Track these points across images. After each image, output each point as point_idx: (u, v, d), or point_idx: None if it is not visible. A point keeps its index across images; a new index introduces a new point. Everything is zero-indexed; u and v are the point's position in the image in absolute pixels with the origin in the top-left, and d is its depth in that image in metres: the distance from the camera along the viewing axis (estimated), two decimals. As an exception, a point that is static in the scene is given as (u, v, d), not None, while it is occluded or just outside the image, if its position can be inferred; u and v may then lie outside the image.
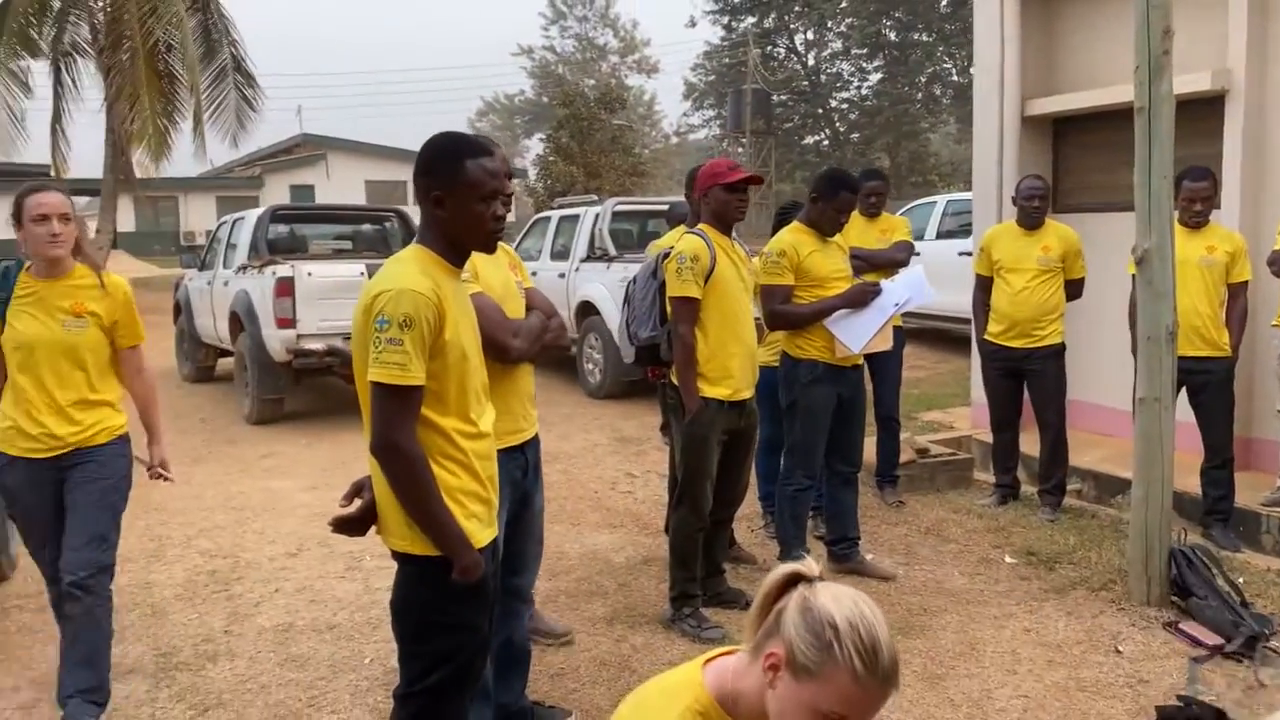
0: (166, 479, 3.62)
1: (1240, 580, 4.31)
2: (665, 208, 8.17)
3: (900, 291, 4.55)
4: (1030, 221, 5.47)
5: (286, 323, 8.06)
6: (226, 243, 10.00)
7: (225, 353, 10.00)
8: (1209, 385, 5.17)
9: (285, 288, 8.06)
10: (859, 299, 4.39)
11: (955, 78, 31.96)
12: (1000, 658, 3.75)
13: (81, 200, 38.57)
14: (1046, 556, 4.78)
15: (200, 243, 20.63)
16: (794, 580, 1.50)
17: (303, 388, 8.85)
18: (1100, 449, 6.60)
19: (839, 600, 1.42)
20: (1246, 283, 5.24)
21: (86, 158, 19.09)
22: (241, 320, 8.60)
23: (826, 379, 4.42)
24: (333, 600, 4.43)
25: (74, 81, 16.75)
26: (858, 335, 4.39)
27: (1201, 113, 6.38)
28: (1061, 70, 7.53)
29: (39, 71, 16.70)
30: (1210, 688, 3.45)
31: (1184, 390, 5.14)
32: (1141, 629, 3.94)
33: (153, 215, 33.69)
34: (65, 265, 3.25)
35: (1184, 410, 5.25)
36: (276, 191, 33.48)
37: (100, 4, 16.29)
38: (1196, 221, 5.18)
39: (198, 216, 33.64)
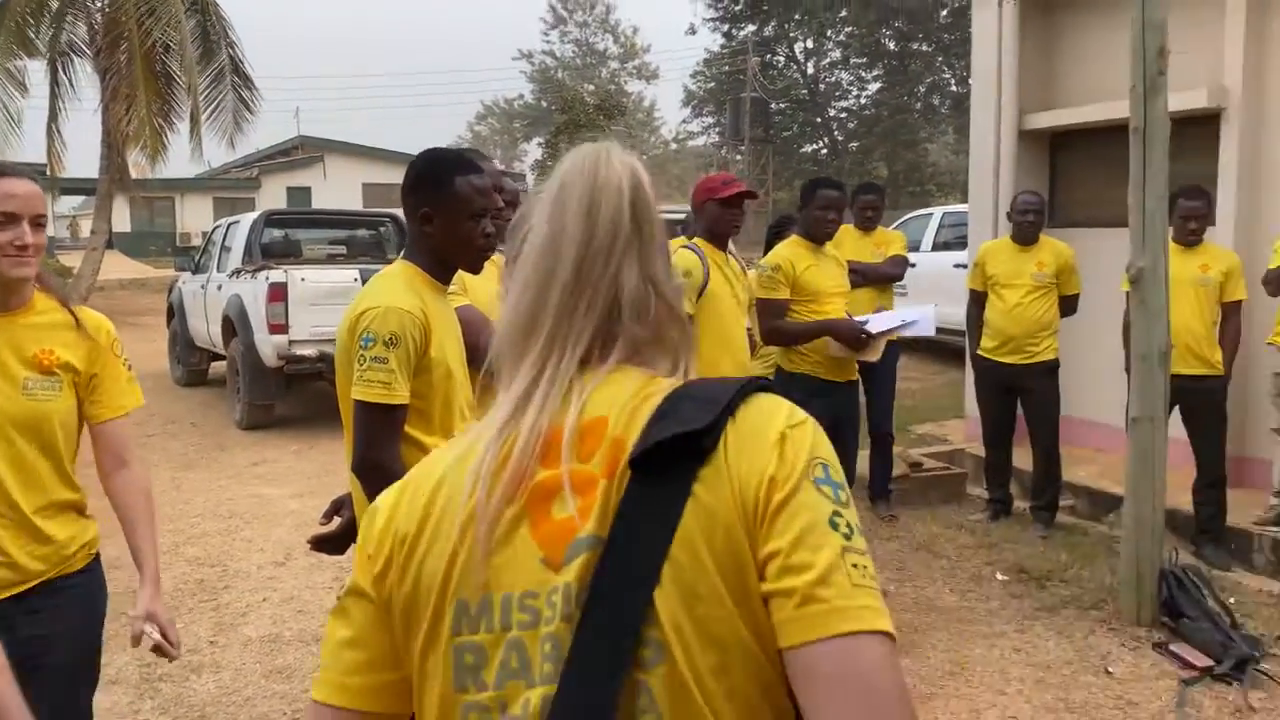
0: (164, 652, 2.19)
1: (1231, 601, 4.29)
2: (679, 218, 8.09)
3: (896, 320, 4.57)
4: (1025, 237, 5.47)
5: (279, 328, 8.04)
6: (221, 246, 9.97)
7: (218, 356, 9.98)
8: (1202, 403, 5.16)
9: (278, 293, 8.04)
10: (848, 337, 4.34)
11: (954, 88, 32.04)
12: (990, 678, 3.73)
13: (77, 200, 38.56)
14: (1038, 574, 4.77)
15: (196, 244, 20.60)
16: None
17: (294, 393, 8.83)
18: (1093, 465, 6.59)
19: None
20: (1241, 302, 5.24)
21: (82, 157, 19.07)
22: (234, 324, 8.57)
23: (821, 394, 4.41)
24: (320, 611, 4.40)
25: (70, 81, 16.72)
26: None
27: (1198, 130, 6.38)
28: (1059, 84, 7.54)
29: (35, 70, 16.68)
30: (1199, 710, 3.44)
31: (1177, 408, 5.14)
32: (1131, 649, 3.93)
33: (149, 216, 33.64)
34: (25, 293, 2.11)
35: (1177, 427, 5.24)
36: (273, 193, 33.48)
37: (98, 4, 16.27)
38: (1191, 240, 5.18)
39: (194, 217, 33.63)
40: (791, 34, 34.45)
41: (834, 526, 0.89)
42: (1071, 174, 7.54)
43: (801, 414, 0.96)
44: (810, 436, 0.94)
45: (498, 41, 54.58)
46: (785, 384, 4.53)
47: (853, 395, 4.57)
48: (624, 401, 0.96)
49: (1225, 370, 5.22)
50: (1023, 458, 5.78)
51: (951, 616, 4.32)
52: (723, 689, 0.87)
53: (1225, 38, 6.22)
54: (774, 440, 0.91)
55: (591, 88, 38.42)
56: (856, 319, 4.38)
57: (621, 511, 0.90)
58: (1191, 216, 5.16)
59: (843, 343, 4.34)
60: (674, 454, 0.89)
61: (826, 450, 0.94)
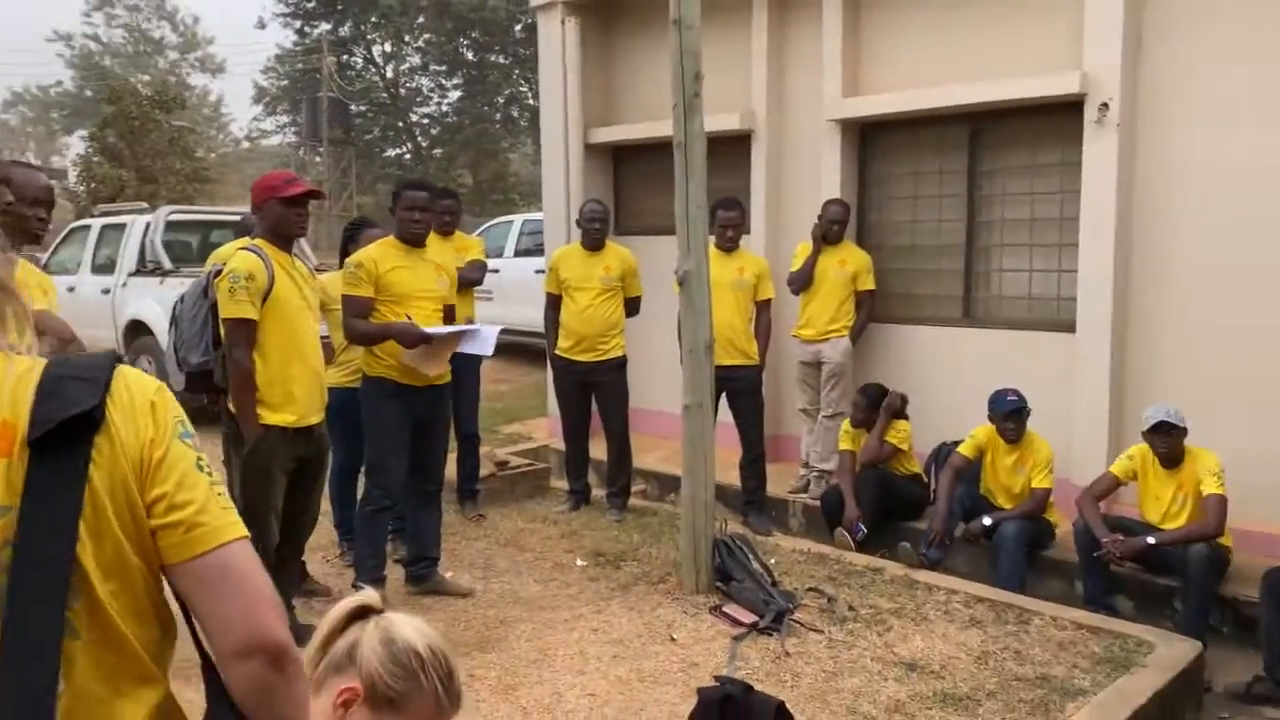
0: None
1: (773, 561, 4.89)
2: (236, 218, 7.59)
3: (457, 332, 4.53)
4: (592, 243, 5.82)
5: None
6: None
7: None
8: (743, 390, 5.85)
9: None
10: (406, 340, 4.31)
11: (532, 101, 33.25)
12: (570, 660, 3.92)
13: None
14: (613, 556, 5.10)
15: None
16: (360, 613, 1.54)
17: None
18: (660, 451, 7.19)
19: (419, 630, 1.52)
20: (770, 300, 6.00)
21: None
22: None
23: (398, 396, 4.37)
24: None
25: None
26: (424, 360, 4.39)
27: (734, 148, 7.21)
28: (619, 102, 8.12)
29: None
30: (747, 662, 3.87)
31: (724, 395, 5.76)
32: (692, 616, 4.33)
33: None
34: None
35: (725, 413, 5.88)
36: None
37: None
38: (729, 246, 5.84)
39: None
40: (369, 36, 33.74)
41: (200, 469, 1.20)
42: (632, 185, 8.16)
43: (157, 381, 1.23)
44: (170, 400, 1.23)
45: (29, 19, 47.33)
46: (366, 386, 4.45)
47: (437, 396, 4.56)
48: None
49: (760, 360, 5.95)
50: (601, 449, 6.16)
51: (535, 606, 4.48)
52: (123, 606, 1.15)
53: (752, 68, 7.08)
54: (147, 407, 1.19)
55: (147, 78, 34.78)
56: (424, 328, 4.34)
57: (31, 482, 1.10)
58: (729, 225, 5.81)
59: (403, 346, 4.32)
60: (71, 429, 1.12)
61: (180, 409, 1.23)
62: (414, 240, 4.45)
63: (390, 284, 4.34)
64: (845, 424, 6.04)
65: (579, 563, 5.05)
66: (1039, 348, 5.95)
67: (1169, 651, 3.95)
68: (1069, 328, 5.79)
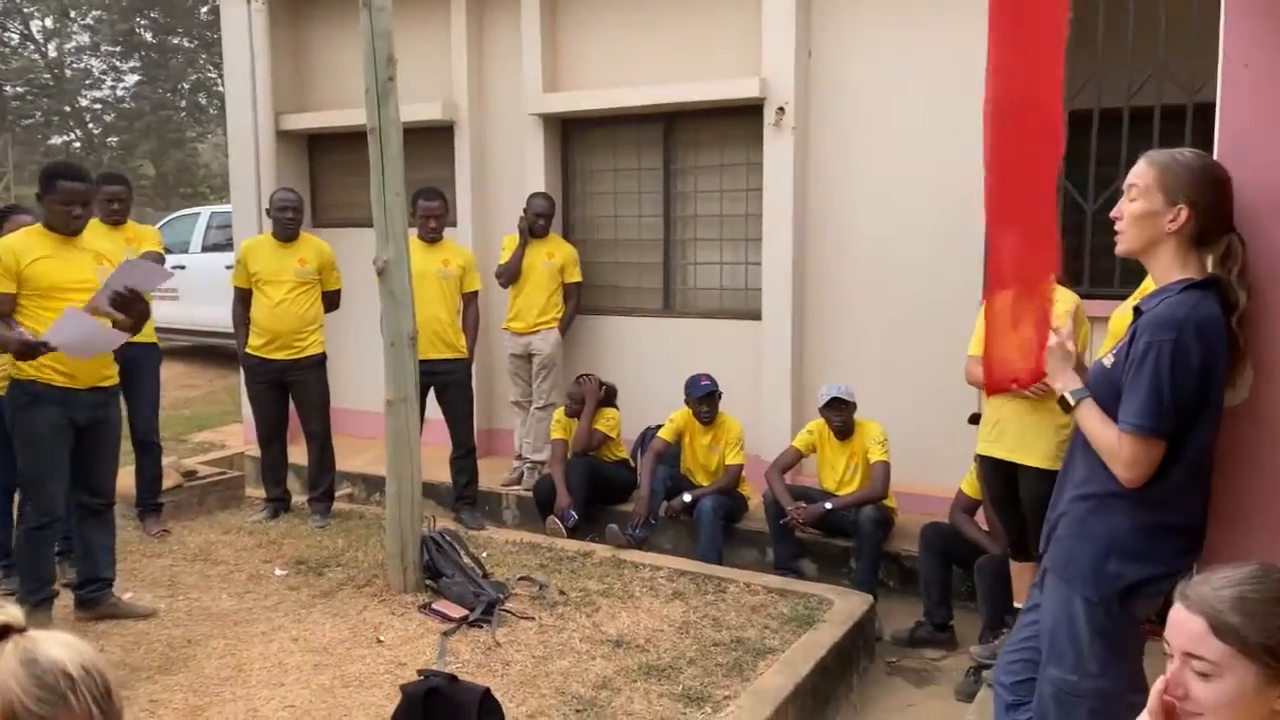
0: None
1: (485, 555, 4.86)
2: None
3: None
4: (285, 233, 5.51)
5: None
6: None
7: None
8: (452, 384, 5.77)
9: None
10: (9, 349, 3.78)
11: (221, 88, 31.05)
12: (268, 672, 3.69)
13: None
14: (316, 563, 4.86)
15: None
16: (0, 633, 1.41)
17: None
18: (368, 453, 6.95)
19: (69, 647, 1.39)
20: (477, 292, 5.96)
21: None
22: None
23: (51, 401, 3.90)
24: None
25: None
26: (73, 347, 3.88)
27: (437, 139, 7.10)
28: (313, 88, 7.75)
29: None
30: (457, 657, 3.82)
31: (431, 390, 5.66)
32: (400, 616, 4.21)
33: None
34: None
35: (435, 410, 5.78)
36: None
37: None
38: (432, 237, 5.74)
39: None
40: (25, 9, 30.05)
41: None
42: (329, 175, 7.82)
43: None
44: None
45: None
46: (11, 394, 3.97)
47: (104, 400, 4.11)
48: None
49: (469, 353, 5.89)
50: (300, 454, 5.85)
51: (229, 621, 4.18)
52: None
53: (453, 59, 7.00)
54: None
55: None
56: (42, 333, 3.80)
57: None
58: (430, 215, 5.71)
59: (13, 356, 3.80)
60: None
61: None
62: (70, 232, 3.98)
63: (34, 276, 3.87)
64: (558, 414, 6.12)
65: (278, 572, 4.77)
66: (730, 335, 6.34)
67: (845, 606, 4.33)
68: (756, 316, 6.20)
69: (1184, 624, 1.46)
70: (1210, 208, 2.12)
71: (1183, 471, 2.11)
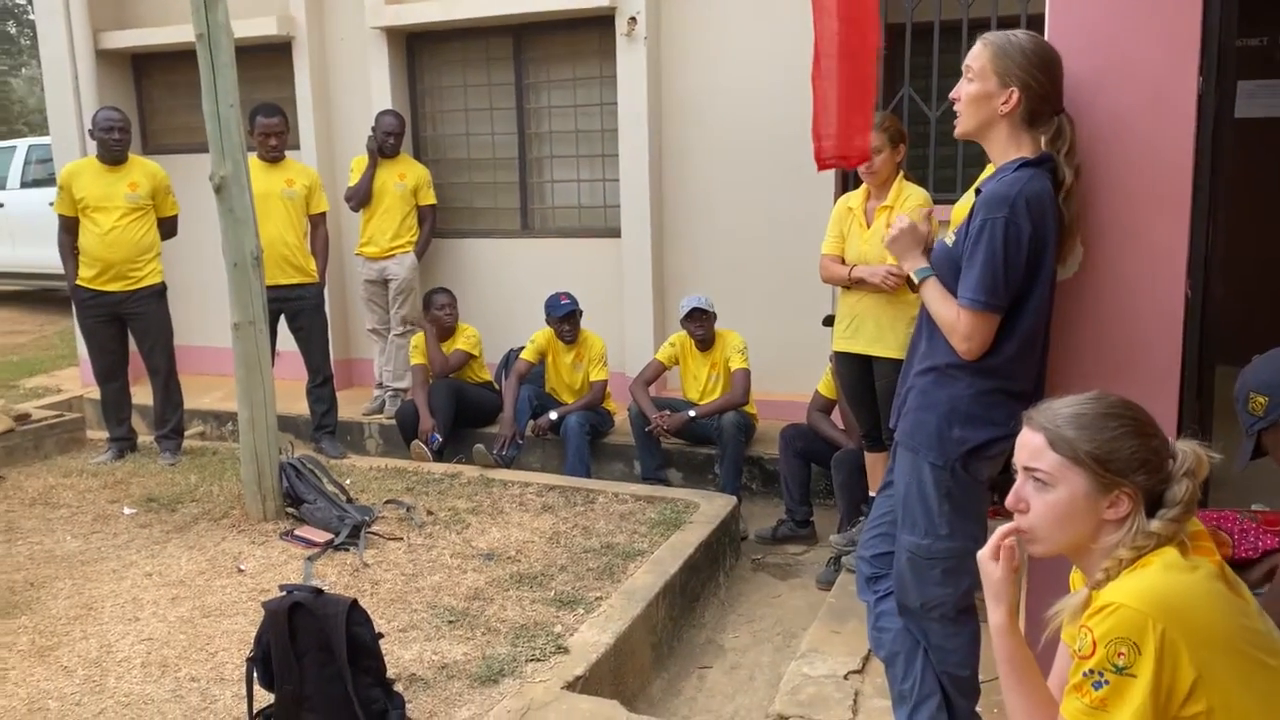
0: None
1: (348, 481, 4.75)
2: None
3: None
4: (111, 156, 5.14)
5: None
6: None
7: None
8: (304, 310, 5.55)
9: None
10: None
11: (33, 16, 28.55)
12: (121, 609, 3.53)
13: None
14: (168, 499, 4.65)
15: None
16: None
17: None
18: (218, 390, 6.68)
19: None
20: (325, 214, 5.73)
21: None
22: None
23: None
24: None
25: None
26: None
27: (275, 57, 6.74)
28: (135, 2, 7.21)
29: None
30: (324, 580, 3.74)
31: (282, 318, 5.45)
32: (260, 544, 4.09)
33: None
34: None
35: (288, 340, 5.58)
36: None
37: None
38: (273, 156, 5.47)
39: None
40: None
41: None
42: (159, 97, 7.34)
43: None
44: None
45: None
46: None
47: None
48: None
49: (320, 277, 5.68)
50: (144, 393, 5.55)
51: (74, 561, 3.97)
52: None
53: (287, -29, 6.61)
54: None
55: None
56: None
57: None
58: (270, 133, 5.43)
59: None
60: None
61: None
62: None
63: None
64: (415, 339, 5.99)
65: (126, 511, 4.55)
66: (590, 253, 6.31)
67: (710, 508, 4.44)
68: (615, 234, 6.18)
69: (1027, 441, 1.59)
70: (1040, 89, 2.20)
71: (1016, 343, 2.22)
